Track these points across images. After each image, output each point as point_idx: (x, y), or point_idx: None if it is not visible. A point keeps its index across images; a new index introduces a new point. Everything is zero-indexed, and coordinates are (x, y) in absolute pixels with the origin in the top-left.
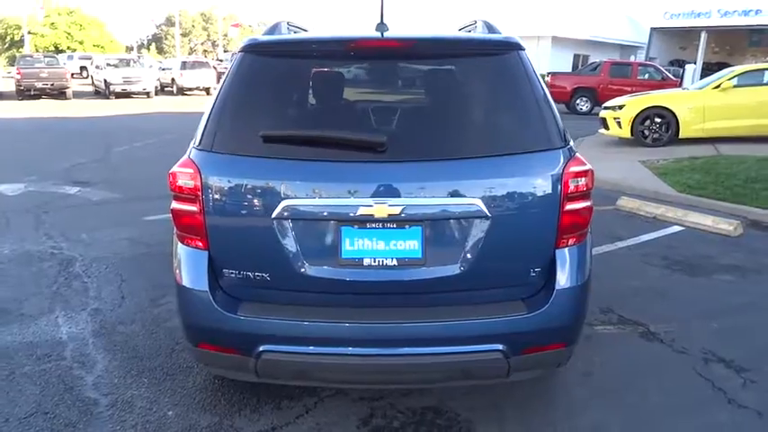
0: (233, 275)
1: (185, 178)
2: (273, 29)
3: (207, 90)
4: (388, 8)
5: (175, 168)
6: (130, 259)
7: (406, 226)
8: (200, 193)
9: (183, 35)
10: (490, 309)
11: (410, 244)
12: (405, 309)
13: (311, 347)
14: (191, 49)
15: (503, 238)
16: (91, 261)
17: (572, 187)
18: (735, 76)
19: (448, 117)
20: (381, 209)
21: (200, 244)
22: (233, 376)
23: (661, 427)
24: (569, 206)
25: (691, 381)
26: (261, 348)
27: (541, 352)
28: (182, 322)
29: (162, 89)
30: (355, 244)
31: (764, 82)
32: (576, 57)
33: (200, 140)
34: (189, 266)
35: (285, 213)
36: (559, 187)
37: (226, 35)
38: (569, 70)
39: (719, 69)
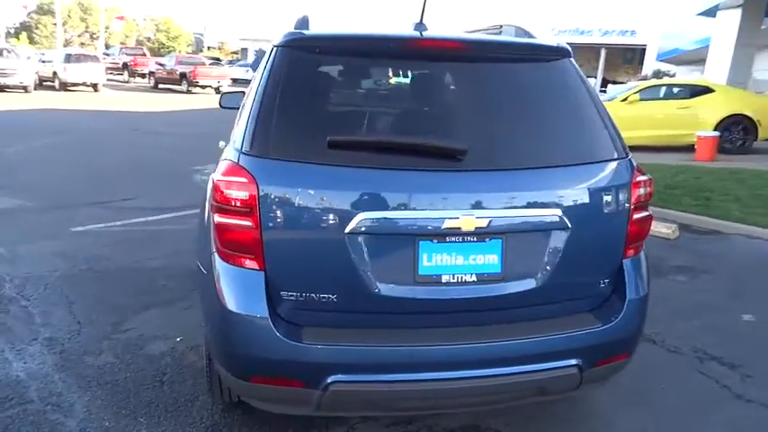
0: (292, 298)
1: (238, 188)
2: (303, 23)
3: (95, 86)
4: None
5: (220, 177)
6: (71, 277)
7: (487, 239)
8: (256, 206)
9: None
10: (565, 323)
11: (490, 258)
12: (483, 327)
13: (387, 375)
14: (66, 40)
15: (578, 250)
16: (23, 281)
17: (638, 196)
18: (639, 91)
19: (519, 124)
20: (469, 221)
21: (255, 264)
22: (287, 411)
23: (690, 424)
24: (636, 215)
25: (696, 379)
26: (330, 379)
27: (610, 363)
28: (227, 353)
29: (41, 83)
30: (433, 260)
31: (661, 96)
32: None
33: (250, 144)
34: (240, 290)
35: (361, 228)
36: (628, 197)
37: (108, 27)
38: None
39: (605, 84)
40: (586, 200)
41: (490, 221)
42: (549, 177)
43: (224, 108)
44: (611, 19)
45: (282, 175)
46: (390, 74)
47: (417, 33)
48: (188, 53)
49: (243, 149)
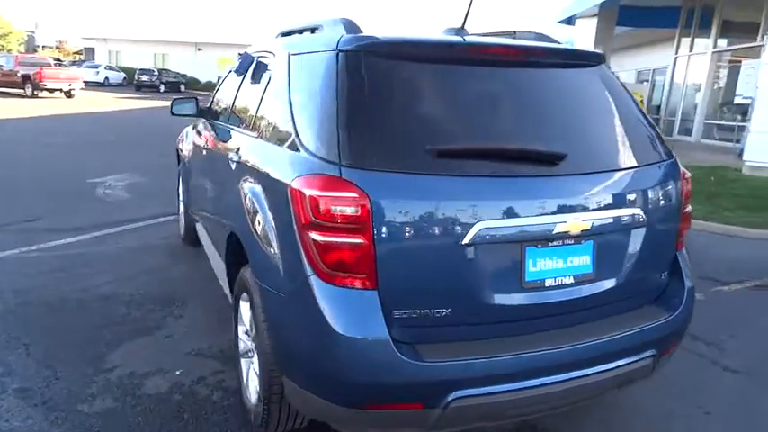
0: (405, 316)
1: (346, 204)
2: (353, 26)
3: None
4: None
5: (318, 192)
6: (9, 315)
7: (582, 241)
8: (369, 222)
9: None
10: (642, 316)
11: (584, 259)
12: (580, 327)
13: (505, 385)
14: None
15: (649, 245)
16: None
17: (687, 192)
18: None
19: (595, 128)
20: (576, 225)
21: (367, 283)
22: None
23: (690, 389)
24: (685, 210)
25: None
26: (452, 396)
27: (672, 350)
28: (339, 382)
29: None
30: (538, 265)
31: None
32: None
33: (352, 156)
34: (354, 312)
35: (479, 238)
36: (680, 192)
37: None
38: None
39: None
40: (655, 197)
41: (593, 223)
42: (629, 178)
43: (175, 115)
44: None
45: (393, 187)
46: (467, 80)
47: (489, 41)
48: (20, 53)
49: (341, 162)
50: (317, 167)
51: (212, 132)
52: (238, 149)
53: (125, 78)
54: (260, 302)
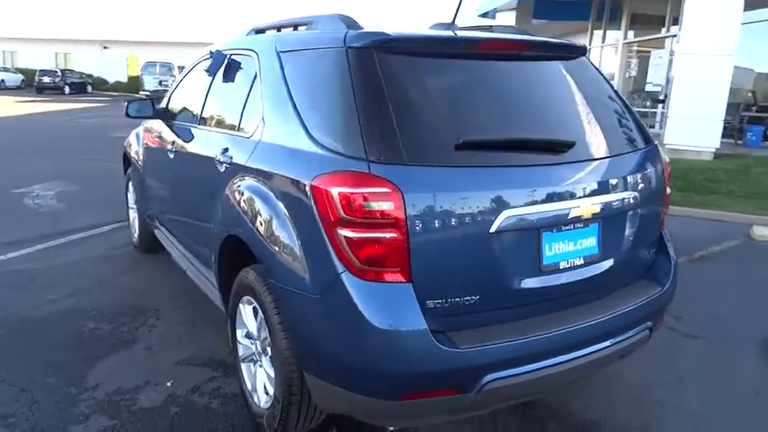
0: (438, 305)
1: (380, 199)
2: (353, 22)
3: None
4: None
5: (351, 189)
6: None
7: (589, 224)
8: (403, 216)
9: None
10: (638, 291)
11: (590, 241)
12: (589, 305)
13: (533, 365)
14: None
15: (641, 225)
16: None
17: (668, 174)
18: None
19: (593, 117)
20: (588, 208)
21: (402, 276)
22: (426, 422)
23: (660, 357)
24: (667, 191)
25: None
26: (485, 380)
27: (661, 322)
28: (377, 375)
29: None
30: (553, 249)
31: None
32: None
33: (375, 151)
34: (392, 306)
35: (504, 226)
36: (663, 174)
37: None
38: None
39: None
40: (646, 180)
41: (602, 207)
42: (625, 163)
43: (130, 117)
44: None
45: (422, 181)
46: (477, 73)
47: (492, 35)
48: None
49: (369, 158)
50: (341, 164)
51: (180, 135)
52: (226, 151)
53: (23, 80)
54: (275, 303)
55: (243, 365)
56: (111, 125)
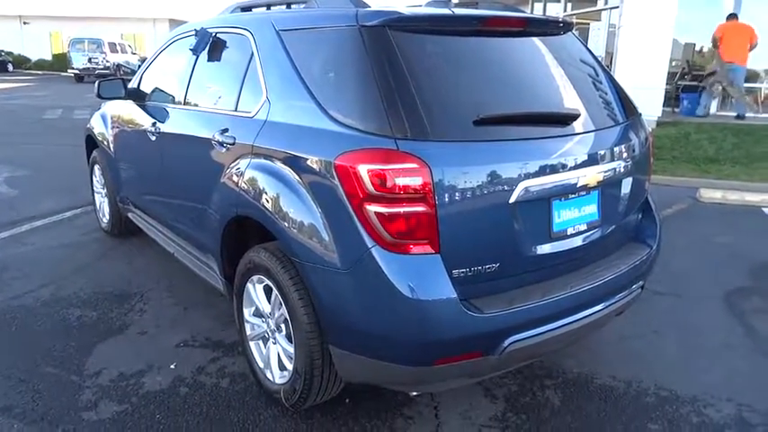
0: (463, 274)
1: (409, 175)
2: (359, 1)
3: None
4: None
5: (380, 166)
6: None
7: (590, 192)
8: (431, 190)
9: None
10: (632, 252)
11: (591, 208)
12: (591, 268)
13: (548, 325)
14: None
15: (633, 190)
16: None
17: (653, 141)
18: None
19: (589, 89)
20: (594, 177)
21: (431, 248)
22: (452, 386)
23: (633, 313)
24: (652, 159)
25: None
26: (507, 342)
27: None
28: (411, 344)
29: None
30: (561, 216)
31: None
32: None
33: (400, 128)
34: (423, 276)
35: (522, 196)
36: (647, 143)
37: None
38: None
39: None
40: (636, 149)
41: (605, 175)
42: (619, 132)
43: (103, 98)
44: None
45: (447, 155)
46: (486, 50)
47: (494, 12)
48: None
49: (395, 135)
50: (366, 142)
51: (160, 115)
52: (226, 131)
53: None
54: (294, 281)
55: (251, 344)
56: (41, 106)
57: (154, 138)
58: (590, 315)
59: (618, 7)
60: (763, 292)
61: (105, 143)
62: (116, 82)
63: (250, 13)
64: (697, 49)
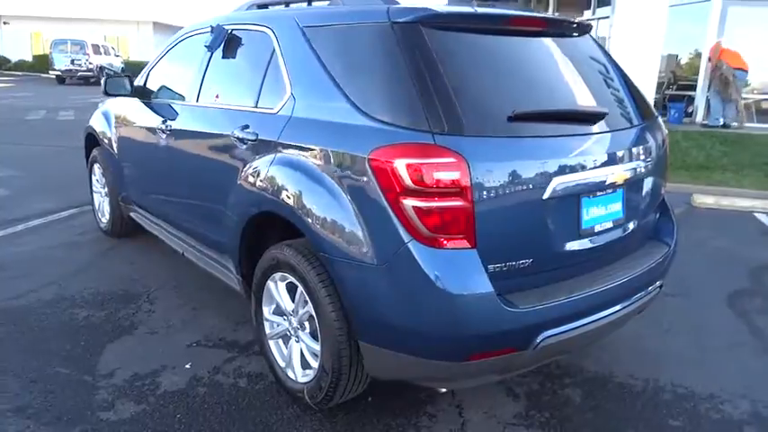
0: (497, 269)
1: (447, 169)
2: None
3: None
4: None
5: (417, 160)
6: None
7: (616, 190)
8: (468, 185)
9: None
10: (652, 251)
11: (617, 206)
12: (616, 265)
13: (580, 320)
14: None
15: (653, 190)
16: None
17: (667, 144)
18: None
19: (610, 89)
20: (621, 175)
21: (468, 243)
22: (482, 382)
23: (645, 313)
24: (667, 159)
25: None
26: (540, 337)
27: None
28: (447, 338)
29: None
30: (589, 213)
31: None
32: None
33: (437, 123)
34: (461, 271)
35: (555, 192)
36: (665, 144)
37: None
38: None
39: None
40: (656, 149)
41: (631, 173)
42: (642, 132)
43: (109, 95)
44: None
45: (483, 150)
46: (514, 49)
47: (515, 12)
48: None
49: (432, 130)
50: (403, 137)
51: (170, 113)
52: (246, 127)
53: None
54: (321, 277)
55: (271, 342)
56: (25, 107)
57: (164, 135)
58: (616, 312)
59: (608, 17)
60: (764, 294)
61: (108, 142)
62: (123, 79)
63: (269, 10)
64: (681, 60)
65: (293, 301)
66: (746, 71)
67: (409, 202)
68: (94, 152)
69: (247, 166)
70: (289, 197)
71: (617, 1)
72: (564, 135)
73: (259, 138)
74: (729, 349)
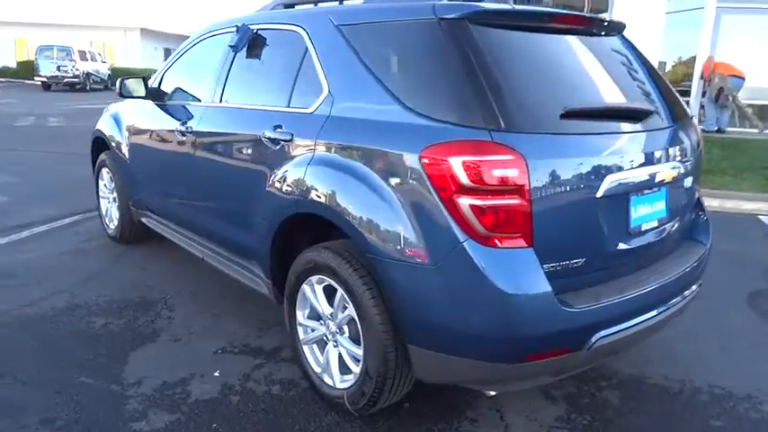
0: (552, 269)
1: (507, 167)
2: None
3: None
4: None
5: (474, 157)
6: None
7: (660, 188)
8: (526, 183)
9: None
10: (691, 250)
11: (661, 205)
12: (661, 264)
13: (632, 320)
14: None
15: (691, 188)
16: None
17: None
18: None
19: (651, 87)
20: (668, 173)
21: (525, 241)
22: (532, 384)
23: None
24: (701, 159)
25: None
26: (595, 338)
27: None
28: (504, 339)
29: None
30: (637, 211)
31: None
32: (167, 51)
33: (493, 120)
34: (519, 270)
35: (608, 190)
36: (701, 144)
37: None
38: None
39: None
40: (694, 148)
41: (679, 171)
42: (682, 131)
43: (124, 97)
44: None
45: (540, 148)
46: (559, 46)
47: (561, 10)
48: None
49: (489, 127)
50: (458, 134)
51: (191, 115)
52: (279, 127)
53: None
54: (364, 280)
55: (305, 348)
56: (12, 114)
57: (184, 137)
58: (662, 312)
59: None
60: None
61: (118, 145)
62: (137, 80)
63: (298, 10)
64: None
65: (331, 305)
66: (743, 78)
67: (466, 201)
68: (102, 156)
69: (280, 166)
70: (331, 198)
71: (614, 8)
72: (613, 132)
73: (294, 138)
74: (756, 349)
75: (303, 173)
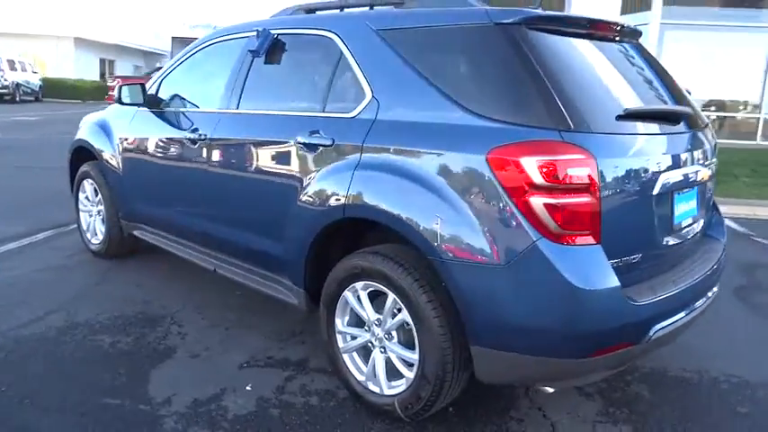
0: (614, 265)
1: (580, 165)
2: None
3: None
4: None
5: (549, 156)
6: None
7: (694, 187)
8: (596, 181)
9: None
10: (713, 247)
11: (693, 203)
12: (694, 259)
13: (681, 312)
14: None
15: (711, 188)
16: None
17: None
18: None
19: (676, 91)
20: (705, 172)
21: (594, 239)
22: (593, 379)
23: None
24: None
25: None
26: (654, 329)
27: None
28: (577, 335)
29: None
30: (679, 209)
31: None
32: (102, 61)
33: (562, 121)
34: (591, 267)
35: (661, 189)
36: (716, 146)
37: None
38: (97, 74)
39: None
40: (715, 149)
41: (708, 171)
42: (708, 133)
43: (124, 104)
44: None
45: (607, 147)
46: (604, 51)
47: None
48: None
49: (559, 127)
50: (528, 135)
51: (209, 121)
52: (315, 132)
53: None
54: (420, 283)
55: (345, 356)
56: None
57: (196, 146)
58: (702, 304)
59: None
60: None
61: (108, 155)
62: (137, 87)
63: (326, 14)
64: None
65: (376, 311)
66: (689, 92)
67: (539, 200)
68: (85, 167)
69: (319, 172)
70: (386, 201)
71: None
72: (663, 133)
73: (336, 142)
74: (757, 339)
75: (350, 177)
